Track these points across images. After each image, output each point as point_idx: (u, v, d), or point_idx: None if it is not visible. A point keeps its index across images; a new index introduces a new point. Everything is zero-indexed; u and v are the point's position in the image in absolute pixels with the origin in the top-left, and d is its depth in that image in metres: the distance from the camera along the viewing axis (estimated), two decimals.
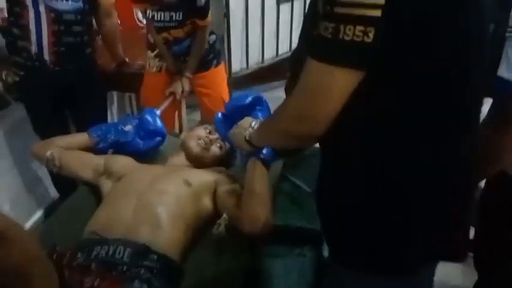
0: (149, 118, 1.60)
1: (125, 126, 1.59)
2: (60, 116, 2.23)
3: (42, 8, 1.91)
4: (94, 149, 1.57)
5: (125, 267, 1.04)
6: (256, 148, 1.17)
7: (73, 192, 1.54)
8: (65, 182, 2.26)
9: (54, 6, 1.92)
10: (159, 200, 1.24)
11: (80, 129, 2.22)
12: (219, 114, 1.41)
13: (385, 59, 0.72)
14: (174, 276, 1.14)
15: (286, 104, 0.85)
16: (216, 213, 1.31)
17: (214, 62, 2.43)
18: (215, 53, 2.43)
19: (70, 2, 1.95)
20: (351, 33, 0.68)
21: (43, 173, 2.37)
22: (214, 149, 1.54)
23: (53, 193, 2.48)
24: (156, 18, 2.18)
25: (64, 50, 2.01)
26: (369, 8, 0.66)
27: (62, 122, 2.23)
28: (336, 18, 0.69)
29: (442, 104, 0.76)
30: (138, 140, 1.57)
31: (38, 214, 2.43)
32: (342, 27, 0.69)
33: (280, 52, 4.19)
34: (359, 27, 0.67)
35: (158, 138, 1.61)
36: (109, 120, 2.99)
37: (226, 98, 2.53)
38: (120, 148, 1.57)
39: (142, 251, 1.09)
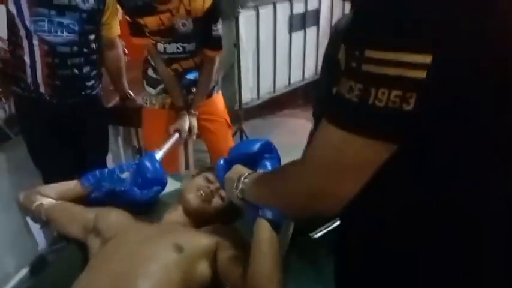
0: (148, 165, 1.42)
1: (121, 173, 1.42)
2: (63, 150, 2.10)
3: (35, 41, 1.83)
4: (87, 199, 1.41)
5: None
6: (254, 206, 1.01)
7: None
8: None
9: (47, 39, 1.83)
10: (142, 268, 1.07)
11: (81, 166, 2.12)
12: (221, 161, 1.22)
13: (427, 127, 0.56)
14: None
15: (297, 175, 0.69)
16: (216, 283, 1.14)
17: (216, 88, 2.31)
18: (216, 80, 2.31)
19: (65, 34, 1.85)
20: (385, 98, 0.53)
21: None
22: (216, 200, 1.36)
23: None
24: (167, 51, 2.05)
25: (59, 84, 1.92)
26: (410, 68, 0.51)
27: (65, 157, 2.10)
28: (365, 78, 0.54)
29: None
30: (135, 189, 1.38)
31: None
32: (372, 91, 0.53)
33: (292, 81, 4.07)
34: (396, 92, 0.52)
35: (157, 188, 1.41)
36: (117, 156, 2.91)
37: (229, 134, 2.42)
38: (115, 198, 1.39)
39: None
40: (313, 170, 0.64)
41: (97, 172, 1.43)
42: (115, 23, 2.13)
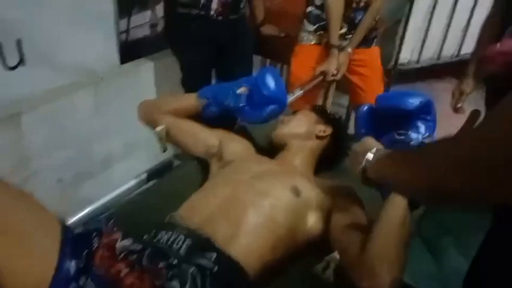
0: (267, 80, 1.21)
1: (238, 88, 1.27)
2: (209, 71, 2.17)
3: None
4: (202, 113, 1.33)
5: (175, 261, 0.88)
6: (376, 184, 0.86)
7: None
8: None
9: None
10: (253, 200, 1.04)
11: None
12: (365, 108, 1.08)
13: None
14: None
15: (461, 151, 0.53)
16: (323, 243, 1.05)
17: (375, 41, 2.16)
18: (377, 33, 2.15)
19: None
20: None
21: None
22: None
23: None
24: None
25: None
26: None
27: (208, 77, 2.18)
28: None
29: None
30: (246, 109, 1.23)
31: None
32: None
33: (462, 52, 3.58)
34: None
35: (272, 107, 1.21)
36: None
37: (381, 86, 2.25)
38: (229, 114, 1.31)
39: (202, 246, 0.92)
40: (486, 145, 0.48)
41: (214, 86, 1.39)
42: None
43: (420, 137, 0.98)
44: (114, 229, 0.97)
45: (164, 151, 1.32)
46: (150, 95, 2.25)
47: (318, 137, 1.30)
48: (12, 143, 1.68)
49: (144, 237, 0.98)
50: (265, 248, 0.97)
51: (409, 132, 0.98)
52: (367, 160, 0.84)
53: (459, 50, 3.59)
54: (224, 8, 1.94)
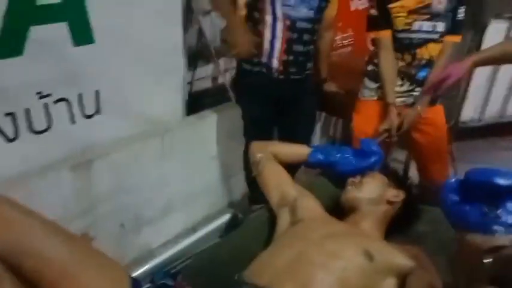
0: (366, 142, 1.44)
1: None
2: (270, 125, 2.21)
3: (279, 14, 1.89)
4: (306, 163, 1.47)
5: None
6: None
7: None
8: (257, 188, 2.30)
9: (290, 13, 1.89)
10: (324, 261, 1.01)
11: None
12: (453, 181, 1.02)
13: None
14: None
15: None
16: None
17: (439, 99, 2.11)
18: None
19: (305, 10, 1.91)
20: None
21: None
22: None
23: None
24: (420, 28, 1.95)
25: (292, 59, 1.98)
26: None
27: (270, 131, 2.21)
28: None
29: None
30: (351, 158, 1.41)
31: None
32: None
33: None
34: None
35: (374, 158, 1.39)
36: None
37: (446, 144, 2.22)
38: (330, 167, 1.44)
39: None
40: None
41: (325, 148, 1.48)
42: (334, 3, 2.09)
43: (510, 217, 0.92)
44: (184, 283, 0.97)
45: (254, 177, 1.46)
46: (211, 146, 2.31)
47: (389, 202, 1.27)
48: (82, 188, 1.76)
49: None
50: None
51: (500, 211, 0.92)
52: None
53: None
54: (285, 67, 1.98)
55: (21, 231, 0.89)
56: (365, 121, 2.14)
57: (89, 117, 1.76)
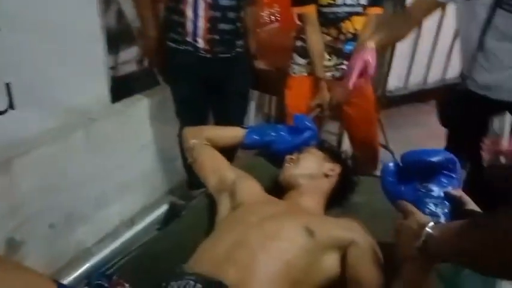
0: (299, 118, 1.45)
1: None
2: (202, 105, 2.14)
3: None
4: (242, 145, 1.44)
5: None
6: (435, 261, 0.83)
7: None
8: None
9: None
10: (264, 244, 0.99)
11: (219, 122, 2.17)
12: (391, 165, 1.07)
13: None
14: None
15: None
16: (341, 282, 1.00)
17: None
18: None
19: None
20: None
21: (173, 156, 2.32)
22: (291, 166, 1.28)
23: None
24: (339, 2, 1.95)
25: (218, 38, 1.92)
26: None
27: (203, 111, 2.15)
28: None
29: None
30: (286, 135, 1.42)
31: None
32: None
33: (448, 76, 3.65)
34: None
35: (308, 134, 1.40)
36: (246, 121, 2.92)
37: (375, 114, 2.28)
38: (267, 146, 1.43)
39: None
40: None
41: (260, 128, 1.46)
42: None
43: (442, 190, 0.97)
44: (121, 281, 0.91)
45: (188, 163, 1.41)
46: (143, 133, 2.21)
47: (327, 176, 1.27)
48: (3, 189, 1.61)
49: None
50: None
51: (431, 185, 0.98)
52: (429, 234, 0.79)
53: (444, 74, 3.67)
54: (212, 46, 1.93)
55: None
56: (297, 97, 2.14)
57: (1, 113, 1.60)
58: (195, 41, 1.91)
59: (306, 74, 2.12)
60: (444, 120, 1.74)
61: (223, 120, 2.13)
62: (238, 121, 2.18)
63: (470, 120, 1.51)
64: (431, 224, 0.80)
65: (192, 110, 2.07)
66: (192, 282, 0.89)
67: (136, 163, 2.22)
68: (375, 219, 1.17)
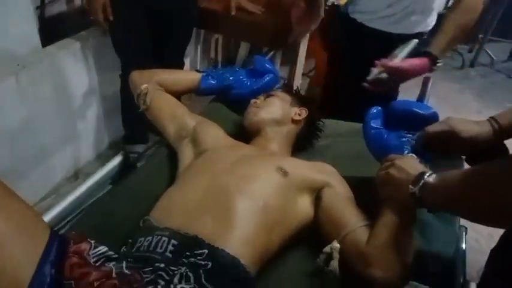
0: (264, 60, 1.41)
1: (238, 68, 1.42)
2: (143, 38, 1.93)
3: None
4: (197, 90, 1.34)
5: (162, 265, 0.78)
6: (428, 209, 0.82)
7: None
8: (136, 125, 2.10)
9: None
10: (239, 187, 0.94)
11: (158, 57, 2.01)
12: (374, 110, 1.06)
13: None
14: (239, 280, 0.82)
15: None
16: (317, 228, 0.99)
17: None
18: None
19: None
20: None
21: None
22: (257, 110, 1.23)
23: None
24: None
25: None
26: None
27: (145, 43, 1.95)
28: None
29: None
30: (244, 80, 1.36)
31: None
32: None
33: None
34: None
35: (270, 76, 1.36)
36: (194, 63, 2.77)
37: None
38: (225, 91, 1.36)
39: (190, 244, 0.82)
40: None
41: (217, 72, 1.37)
42: None
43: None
44: (81, 238, 0.83)
45: (140, 110, 1.26)
46: (80, 79, 2.01)
47: (294, 121, 1.22)
48: None
49: (122, 250, 0.87)
50: (260, 236, 0.88)
51: (414, 135, 1.00)
52: (426, 182, 0.77)
53: None
54: None
55: None
56: None
57: None
58: None
59: None
60: (326, 44, 1.79)
61: (166, 54, 2.00)
62: (176, 55, 2.07)
63: (349, 46, 1.58)
64: (429, 172, 0.79)
65: (133, 42, 1.89)
66: (165, 239, 0.83)
67: (76, 113, 2.05)
68: (339, 161, 1.16)
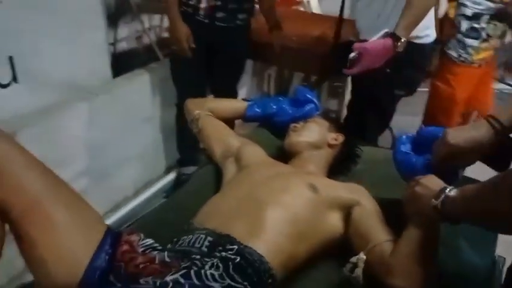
0: (301, 91, 1.46)
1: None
2: (201, 68, 2.13)
3: None
4: (243, 117, 1.47)
5: (198, 256, 0.89)
6: (449, 221, 0.87)
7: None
8: (188, 149, 2.27)
9: None
10: (271, 198, 1.04)
11: (213, 90, 2.21)
12: (404, 136, 1.12)
13: None
14: (262, 278, 0.90)
15: None
16: (345, 243, 1.06)
17: None
18: None
19: None
20: None
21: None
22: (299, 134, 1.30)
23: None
24: None
25: (220, 4, 1.94)
26: None
27: (201, 80, 2.16)
28: None
29: None
30: (287, 108, 1.43)
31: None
32: None
33: None
34: None
35: (310, 105, 1.41)
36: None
37: None
38: (268, 119, 1.46)
39: (223, 241, 0.93)
40: None
41: (262, 101, 1.48)
42: None
43: None
44: (133, 231, 0.99)
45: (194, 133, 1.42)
46: (143, 108, 2.23)
47: (330, 146, 1.30)
48: None
49: (167, 246, 0.98)
50: (287, 244, 0.96)
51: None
52: (447, 197, 0.84)
53: None
54: (212, 11, 1.95)
55: (3, 153, 0.87)
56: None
57: (5, 86, 1.61)
58: (199, 1, 1.93)
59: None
60: None
61: (219, 85, 2.17)
62: (231, 90, 2.23)
63: None
64: (450, 187, 0.85)
65: (192, 73, 2.08)
66: (202, 236, 0.95)
67: (136, 138, 2.25)
68: (376, 186, 1.21)
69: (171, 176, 1.37)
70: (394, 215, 1.05)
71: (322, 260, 1.06)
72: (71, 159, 1.87)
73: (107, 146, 2.03)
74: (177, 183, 1.39)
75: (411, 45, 1.47)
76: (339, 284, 0.97)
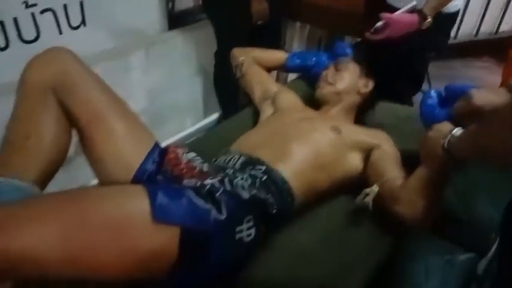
0: (340, 45, 1.56)
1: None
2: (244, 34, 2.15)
3: None
4: (284, 67, 1.61)
5: (231, 171, 1.05)
6: (453, 160, 0.96)
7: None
8: (229, 101, 2.40)
9: None
10: (298, 135, 1.18)
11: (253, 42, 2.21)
12: (432, 91, 1.17)
13: None
14: (283, 197, 1.04)
15: None
16: (362, 179, 1.17)
17: None
18: None
19: None
20: None
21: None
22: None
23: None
24: None
25: None
26: None
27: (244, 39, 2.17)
28: None
29: None
30: (325, 60, 1.55)
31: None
32: None
33: (501, 29, 3.54)
34: None
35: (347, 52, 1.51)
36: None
37: None
38: (307, 70, 1.57)
39: (253, 162, 1.08)
40: None
41: (302, 53, 1.61)
42: None
43: None
44: (179, 145, 1.16)
45: (237, 77, 1.57)
46: (194, 61, 2.38)
47: (359, 93, 1.39)
48: None
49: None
50: (308, 172, 1.11)
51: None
52: (453, 136, 0.92)
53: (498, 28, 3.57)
54: None
55: (76, 70, 1.05)
56: None
57: (75, 28, 1.80)
58: None
59: None
60: None
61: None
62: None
63: None
64: (457, 128, 0.94)
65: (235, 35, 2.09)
66: (236, 156, 1.12)
67: (186, 88, 2.42)
68: (399, 139, 1.29)
69: (215, 115, 1.53)
70: (412, 167, 1.14)
71: (338, 195, 1.19)
72: (129, 101, 2.06)
73: (159, 92, 2.22)
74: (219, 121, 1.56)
75: (440, 15, 1.52)
76: (351, 214, 1.09)
